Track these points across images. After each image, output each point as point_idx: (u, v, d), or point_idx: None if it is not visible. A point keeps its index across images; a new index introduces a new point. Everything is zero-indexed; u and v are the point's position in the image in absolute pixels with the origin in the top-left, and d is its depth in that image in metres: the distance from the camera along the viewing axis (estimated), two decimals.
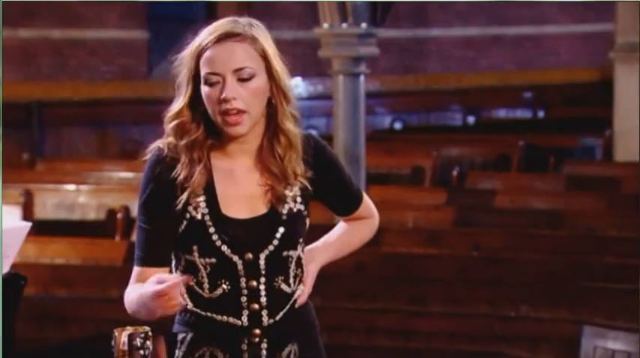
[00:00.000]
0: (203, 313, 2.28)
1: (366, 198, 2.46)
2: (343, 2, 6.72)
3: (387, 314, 4.35)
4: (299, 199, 2.30)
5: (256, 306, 2.26)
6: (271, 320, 2.28)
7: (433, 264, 5.25)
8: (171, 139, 2.29)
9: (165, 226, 2.26)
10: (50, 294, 5.23)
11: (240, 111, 2.22)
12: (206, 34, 2.26)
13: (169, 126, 2.28)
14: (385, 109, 11.89)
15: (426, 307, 4.70)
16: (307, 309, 2.35)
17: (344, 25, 6.78)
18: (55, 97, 9.39)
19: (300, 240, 2.32)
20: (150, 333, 2.06)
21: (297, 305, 2.31)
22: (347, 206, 2.42)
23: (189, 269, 2.28)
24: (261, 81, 2.24)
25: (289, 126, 2.28)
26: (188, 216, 2.25)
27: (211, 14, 10.89)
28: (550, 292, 4.69)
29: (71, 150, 9.80)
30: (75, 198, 7.16)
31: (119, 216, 6.56)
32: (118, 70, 10.45)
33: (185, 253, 2.28)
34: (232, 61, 2.22)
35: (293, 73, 2.32)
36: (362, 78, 6.87)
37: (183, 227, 2.26)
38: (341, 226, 2.46)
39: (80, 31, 10.32)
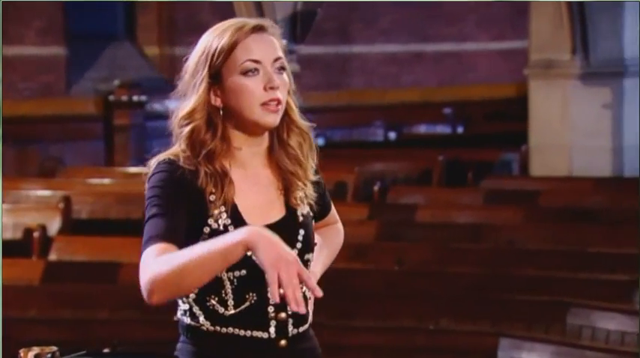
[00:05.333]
0: (224, 330, 2.15)
1: (332, 204, 2.40)
2: (262, 17, 6.72)
3: (315, 329, 4.36)
4: (305, 201, 2.24)
5: (283, 315, 2.19)
6: (295, 331, 2.22)
7: (359, 278, 5.26)
8: (181, 150, 2.14)
9: (183, 215, 2.08)
10: None
11: (279, 103, 2.15)
12: (229, 31, 2.15)
13: (183, 133, 2.14)
14: None
15: (353, 322, 4.71)
16: (312, 332, 2.29)
17: None
18: None
19: (315, 242, 2.26)
20: (57, 353, 2.00)
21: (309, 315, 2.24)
22: (322, 211, 2.33)
23: (210, 288, 2.12)
24: (287, 74, 2.19)
25: (299, 119, 2.23)
26: (208, 229, 2.12)
27: (131, 31, 10.79)
28: (472, 304, 4.74)
29: None
30: None
31: (36, 234, 6.43)
32: (36, 87, 10.28)
33: None
34: (273, 50, 2.17)
35: None
36: None
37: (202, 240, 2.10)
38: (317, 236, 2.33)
39: None
